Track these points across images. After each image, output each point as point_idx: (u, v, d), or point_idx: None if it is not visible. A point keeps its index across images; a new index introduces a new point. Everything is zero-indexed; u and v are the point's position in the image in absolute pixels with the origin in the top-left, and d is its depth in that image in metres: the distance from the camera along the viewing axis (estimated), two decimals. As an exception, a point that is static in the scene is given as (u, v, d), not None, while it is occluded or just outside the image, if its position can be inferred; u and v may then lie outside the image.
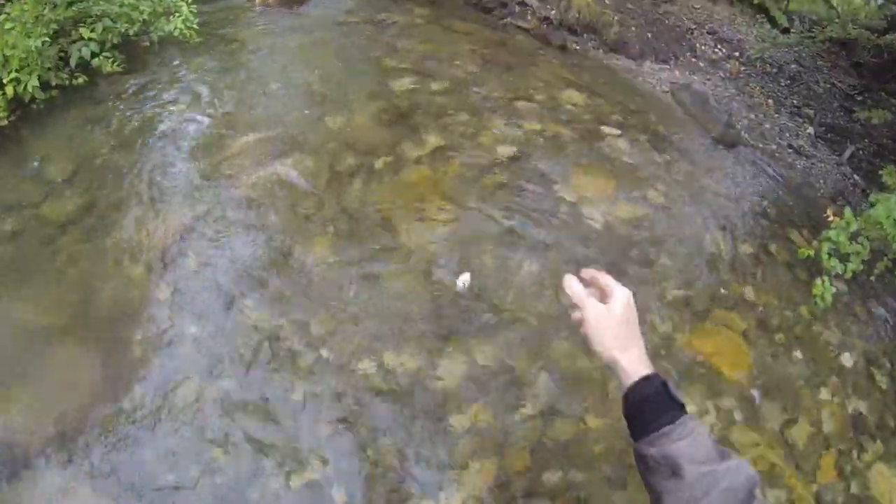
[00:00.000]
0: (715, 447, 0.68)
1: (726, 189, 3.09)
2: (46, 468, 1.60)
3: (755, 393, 2.14)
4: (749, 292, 2.50)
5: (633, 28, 4.35)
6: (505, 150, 2.62)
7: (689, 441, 0.66)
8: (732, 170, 3.30)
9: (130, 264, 2.12)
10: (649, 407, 0.70)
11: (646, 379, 0.71)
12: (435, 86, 2.98)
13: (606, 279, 0.79)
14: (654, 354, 2.07)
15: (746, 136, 3.75)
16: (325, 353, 1.87)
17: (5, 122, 2.52)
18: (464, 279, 2.05)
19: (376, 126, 2.67)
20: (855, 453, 2.11)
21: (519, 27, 3.99)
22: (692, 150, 3.27)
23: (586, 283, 0.80)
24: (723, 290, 2.46)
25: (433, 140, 2.60)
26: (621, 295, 0.76)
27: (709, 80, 4.24)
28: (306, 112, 2.76)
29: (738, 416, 2.05)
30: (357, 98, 2.83)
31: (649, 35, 4.37)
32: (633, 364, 0.73)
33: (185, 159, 2.61)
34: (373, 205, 2.29)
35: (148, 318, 1.95)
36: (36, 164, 2.49)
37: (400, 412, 1.77)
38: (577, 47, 4.00)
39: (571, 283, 0.78)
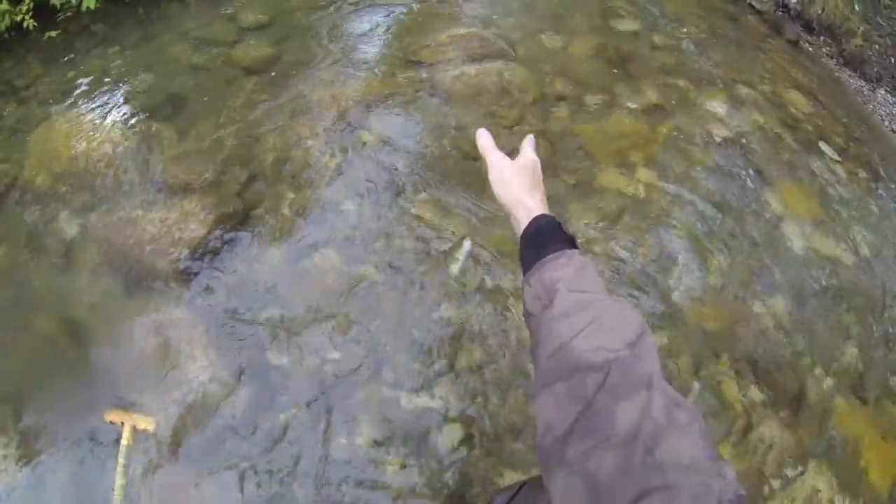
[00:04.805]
0: (603, 286, 0.60)
1: (937, 265, 2.66)
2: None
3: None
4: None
5: (877, 46, 3.71)
6: (721, 132, 2.35)
7: (573, 269, 0.60)
8: (950, 248, 2.83)
9: (305, 121, 2.09)
10: (540, 239, 0.65)
11: (542, 216, 0.68)
12: (657, 39, 2.70)
13: (527, 142, 0.78)
14: (808, 417, 1.85)
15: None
16: (485, 277, 1.79)
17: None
18: (466, 247, 1.87)
19: (592, 61, 2.47)
20: None
21: (752, 7, 3.51)
22: (911, 207, 2.83)
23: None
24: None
25: (651, 95, 2.36)
26: (526, 155, 0.76)
27: (945, 135, 3.60)
28: (523, 21, 2.59)
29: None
30: (577, 26, 2.62)
31: (893, 60, 3.73)
32: (537, 203, 0.70)
33: (387, 35, 2.53)
34: (576, 137, 2.14)
35: (307, 181, 1.93)
36: (233, 10, 2.53)
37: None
38: (810, 48, 3.48)
39: (482, 134, 0.78)
